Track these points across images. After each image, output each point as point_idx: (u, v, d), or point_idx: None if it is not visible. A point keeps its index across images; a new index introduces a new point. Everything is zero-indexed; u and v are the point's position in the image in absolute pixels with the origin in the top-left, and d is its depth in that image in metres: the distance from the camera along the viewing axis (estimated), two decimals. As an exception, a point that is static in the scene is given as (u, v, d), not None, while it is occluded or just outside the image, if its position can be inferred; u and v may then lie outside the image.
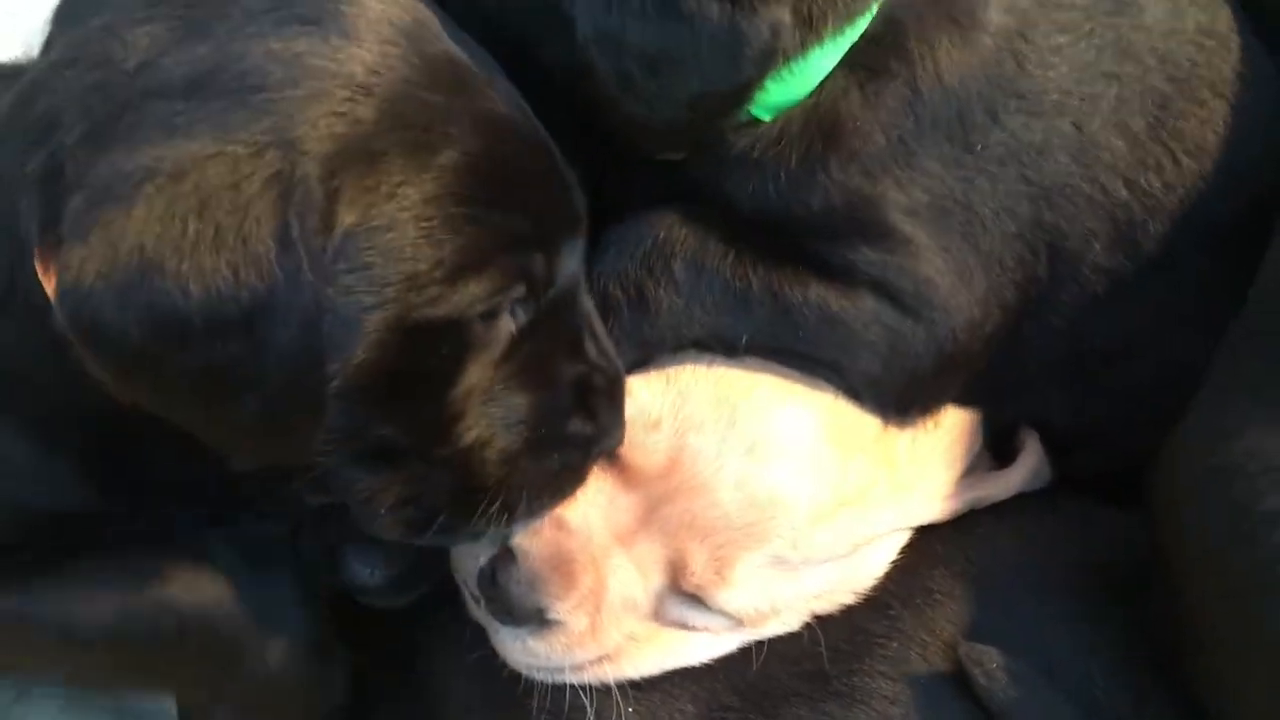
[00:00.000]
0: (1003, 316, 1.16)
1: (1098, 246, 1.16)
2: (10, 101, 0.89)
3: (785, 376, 1.14)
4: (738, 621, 1.12)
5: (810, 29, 1.05)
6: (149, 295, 0.77)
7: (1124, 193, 1.15)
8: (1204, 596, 1.03)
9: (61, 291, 0.79)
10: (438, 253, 0.85)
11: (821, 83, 1.08)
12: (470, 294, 0.88)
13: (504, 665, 1.13)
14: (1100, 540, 1.20)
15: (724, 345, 1.13)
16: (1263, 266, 1.14)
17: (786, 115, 1.09)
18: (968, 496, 1.21)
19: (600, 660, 1.11)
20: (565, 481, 1.03)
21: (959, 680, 1.07)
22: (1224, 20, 1.21)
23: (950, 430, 1.22)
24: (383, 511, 0.97)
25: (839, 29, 1.06)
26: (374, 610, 1.22)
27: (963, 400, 1.22)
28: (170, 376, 0.82)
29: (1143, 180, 1.15)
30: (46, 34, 1.55)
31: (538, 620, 1.08)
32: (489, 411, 0.96)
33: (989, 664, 1.05)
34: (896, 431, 1.18)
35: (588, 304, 1.04)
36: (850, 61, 1.08)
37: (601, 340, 1.05)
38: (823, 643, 1.11)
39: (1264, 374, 1.06)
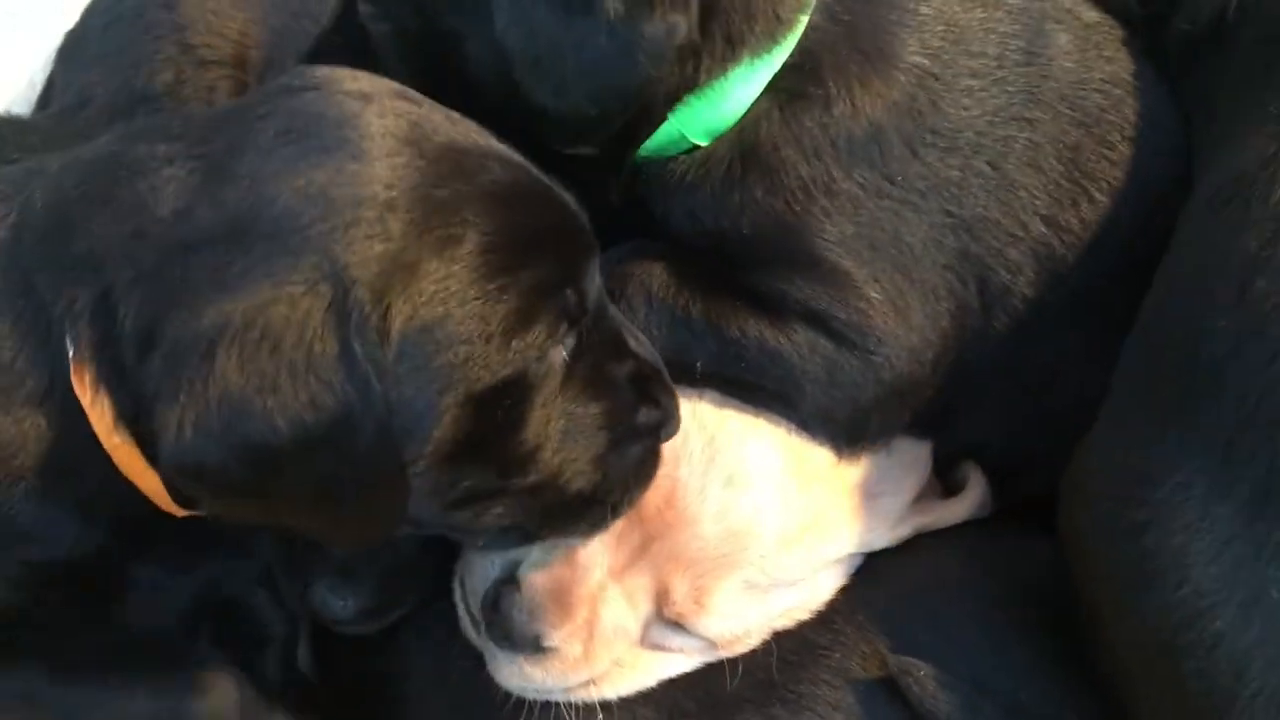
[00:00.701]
0: (942, 345, 1.21)
1: (1023, 279, 1.22)
2: (43, 224, 0.98)
3: (746, 410, 1.21)
4: (712, 644, 1.20)
5: (729, 46, 1.12)
6: (242, 436, 0.87)
7: (1043, 228, 1.21)
8: (1097, 600, 1.10)
9: (166, 451, 0.88)
10: (487, 328, 0.95)
11: (749, 108, 1.15)
12: (522, 351, 0.97)
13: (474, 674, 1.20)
14: (1033, 565, 1.27)
15: (681, 372, 1.19)
16: (1151, 290, 1.18)
17: (718, 140, 1.16)
18: (917, 522, 1.29)
19: (588, 684, 1.18)
20: (648, 466, 1.12)
21: (895, 689, 1.15)
22: (1129, 69, 1.28)
23: (903, 460, 1.30)
24: (481, 543, 1.10)
25: (758, 52, 1.13)
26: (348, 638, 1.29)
27: (908, 428, 1.29)
28: (271, 497, 0.92)
29: (1060, 218, 1.22)
30: (49, 73, 1.64)
31: (534, 646, 1.14)
32: (565, 432, 1.05)
33: (917, 673, 1.13)
34: (850, 461, 1.25)
35: (613, 307, 1.12)
36: (773, 87, 1.15)
37: (637, 334, 1.13)
38: (773, 654, 1.20)
39: (1147, 389, 1.12)
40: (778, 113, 1.16)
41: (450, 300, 0.93)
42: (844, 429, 1.22)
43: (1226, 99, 1.23)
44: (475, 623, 1.19)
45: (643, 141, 1.17)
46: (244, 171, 0.93)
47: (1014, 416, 1.31)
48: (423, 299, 0.92)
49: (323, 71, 1.01)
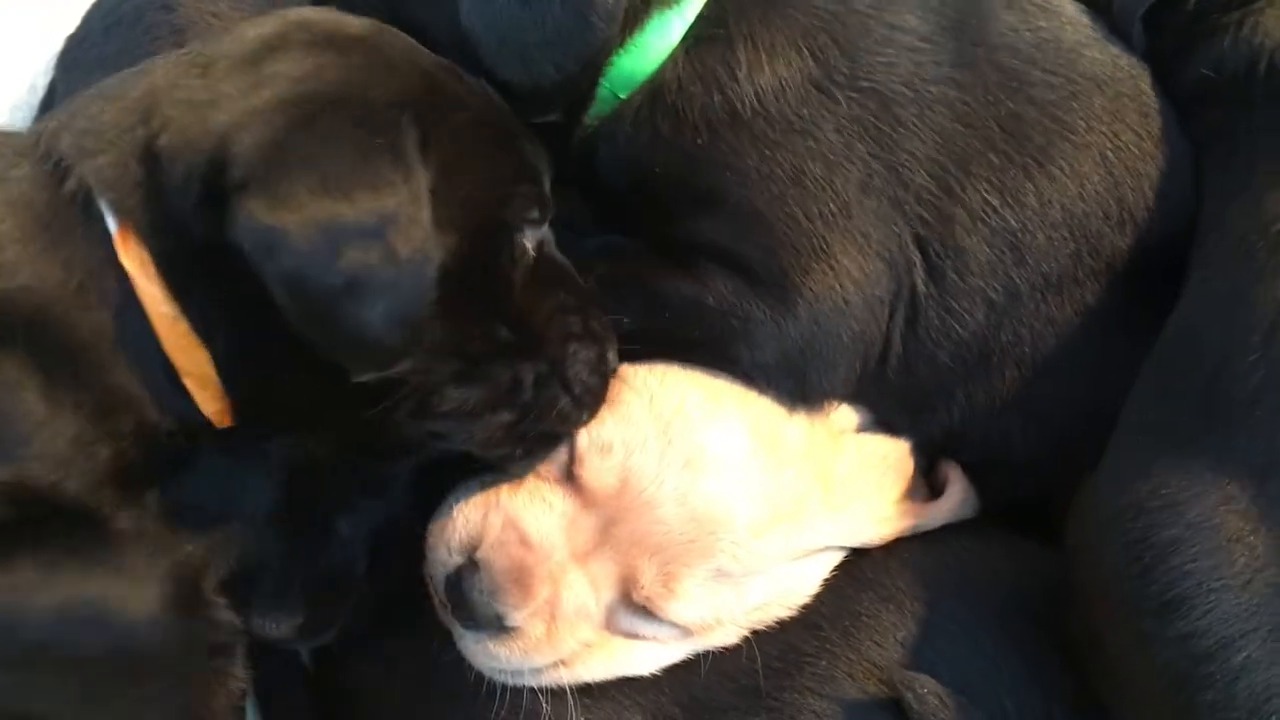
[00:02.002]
0: (874, 293, 1.20)
1: (978, 252, 1.21)
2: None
3: (710, 391, 1.21)
4: (684, 631, 1.19)
5: (645, 3, 1.19)
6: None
7: (988, 196, 1.21)
8: (1107, 624, 1.09)
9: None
10: (491, 173, 1.08)
11: (665, 58, 1.20)
12: (514, 208, 1.10)
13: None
14: (1019, 569, 1.26)
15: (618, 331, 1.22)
16: (1171, 317, 1.20)
17: (635, 90, 1.21)
18: (900, 524, 1.27)
19: (556, 665, 1.18)
20: (602, 372, 1.18)
21: (881, 699, 1.14)
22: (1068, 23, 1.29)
23: (884, 457, 1.29)
24: (479, 426, 1.11)
25: (669, 3, 1.19)
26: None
27: (883, 414, 1.30)
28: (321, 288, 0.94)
29: (1010, 189, 1.22)
30: (51, 78, 1.65)
31: (497, 625, 1.15)
32: (535, 312, 1.12)
33: (920, 689, 1.11)
34: (826, 450, 1.24)
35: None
36: (687, 36, 1.20)
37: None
38: (758, 660, 1.17)
39: (1168, 417, 1.13)
40: (684, 56, 1.21)
41: (469, 142, 1.07)
42: (783, 378, 1.22)
43: (1247, 145, 1.24)
44: (443, 604, 1.19)
45: (591, 102, 1.23)
46: None
47: (990, 408, 1.29)
48: (449, 140, 1.04)
49: None
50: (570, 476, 1.19)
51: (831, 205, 1.19)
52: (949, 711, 1.11)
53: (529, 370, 1.12)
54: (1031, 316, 1.25)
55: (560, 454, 1.20)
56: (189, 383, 1.02)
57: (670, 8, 1.20)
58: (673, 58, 1.21)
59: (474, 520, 1.18)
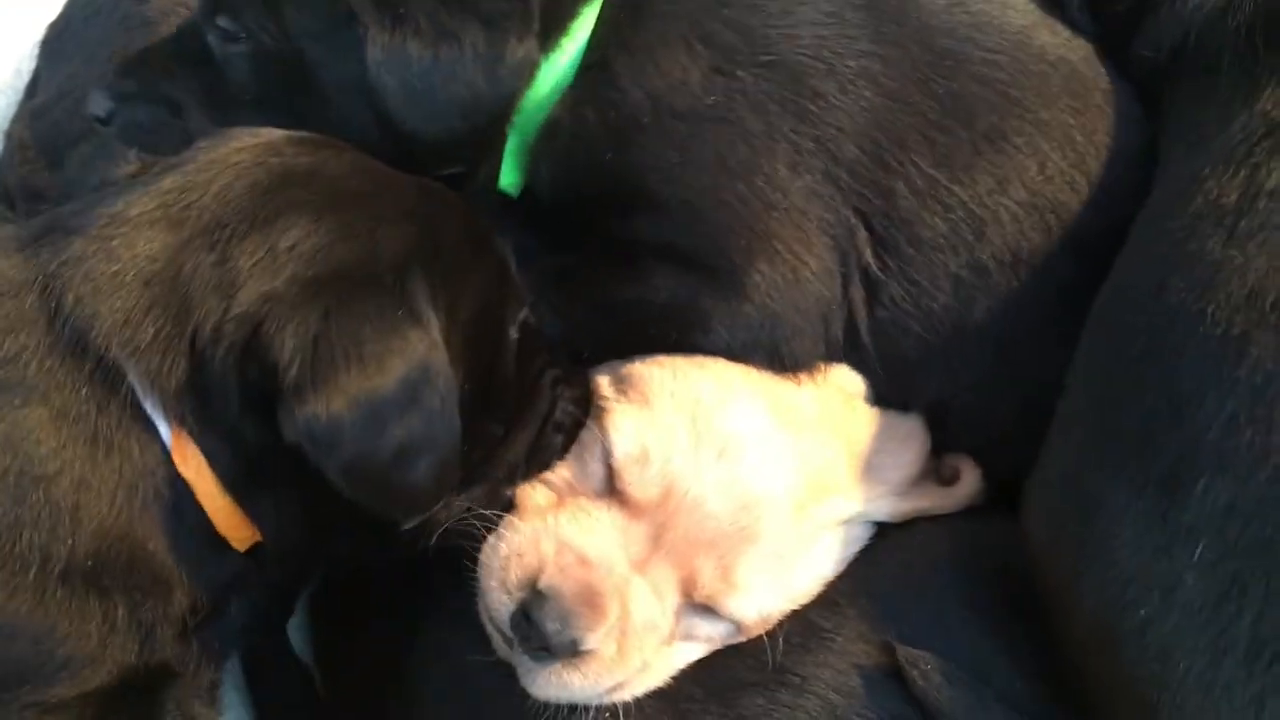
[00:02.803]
0: (822, 266, 1.24)
1: (930, 225, 1.25)
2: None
3: (717, 374, 1.24)
4: (740, 628, 1.21)
5: (541, 50, 1.22)
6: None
7: (932, 170, 1.25)
8: (1050, 589, 1.15)
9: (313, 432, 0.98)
10: (483, 287, 1.14)
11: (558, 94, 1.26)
12: (507, 311, 1.17)
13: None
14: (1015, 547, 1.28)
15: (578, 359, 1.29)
16: (1091, 315, 1.22)
17: (540, 127, 1.27)
18: (917, 503, 1.33)
19: (620, 685, 1.19)
20: (585, 397, 1.28)
21: (896, 672, 1.19)
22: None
23: (900, 426, 1.33)
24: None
25: (552, 46, 1.24)
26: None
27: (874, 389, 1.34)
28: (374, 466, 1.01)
29: (955, 165, 1.25)
30: (35, 69, 1.61)
31: (572, 651, 1.15)
32: (531, 370, 1.22)
33: (924, 665, 1.17)
34: (842, 414, 1.28)
35: None
36: (574, 72, 1.26)
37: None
38: (778, 636, 1.22)
39: (1082, 400, 1.18)
40: (571, 91, 1.26)
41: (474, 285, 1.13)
42: (753, 353, 1.27)
43: (1179, 124, 1.27)
44: (507, 639, 1.19)
45: (497, 149, 1.28)
46: None
47: (976, 385, 1.33)
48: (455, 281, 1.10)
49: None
50: (612, 490, 1.20)
51: (763, 185, 1.23)
52: (950, 688, 1.16)
53: (522, 445, 1.21)
54: (1005, 292, 1.28)
55: (595, 469, 1.22)
56: (237, 547, 1.10)
57: (552, 51, 1.24)
58: (564, 95, 1.26)
59: (527, 552, 1.18)
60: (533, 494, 1.24)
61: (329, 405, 0.96)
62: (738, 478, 1.19)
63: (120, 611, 1.05)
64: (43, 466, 1.00)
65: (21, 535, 1.00)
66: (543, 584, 1.15)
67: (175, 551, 1.05)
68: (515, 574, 1.17)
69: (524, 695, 1.20)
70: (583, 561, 1.16)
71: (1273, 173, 1.11)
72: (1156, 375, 1.08)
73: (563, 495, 1.23)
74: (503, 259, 1.20)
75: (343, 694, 1.42)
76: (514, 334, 1.19)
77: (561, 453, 1.26)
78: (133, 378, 1.01)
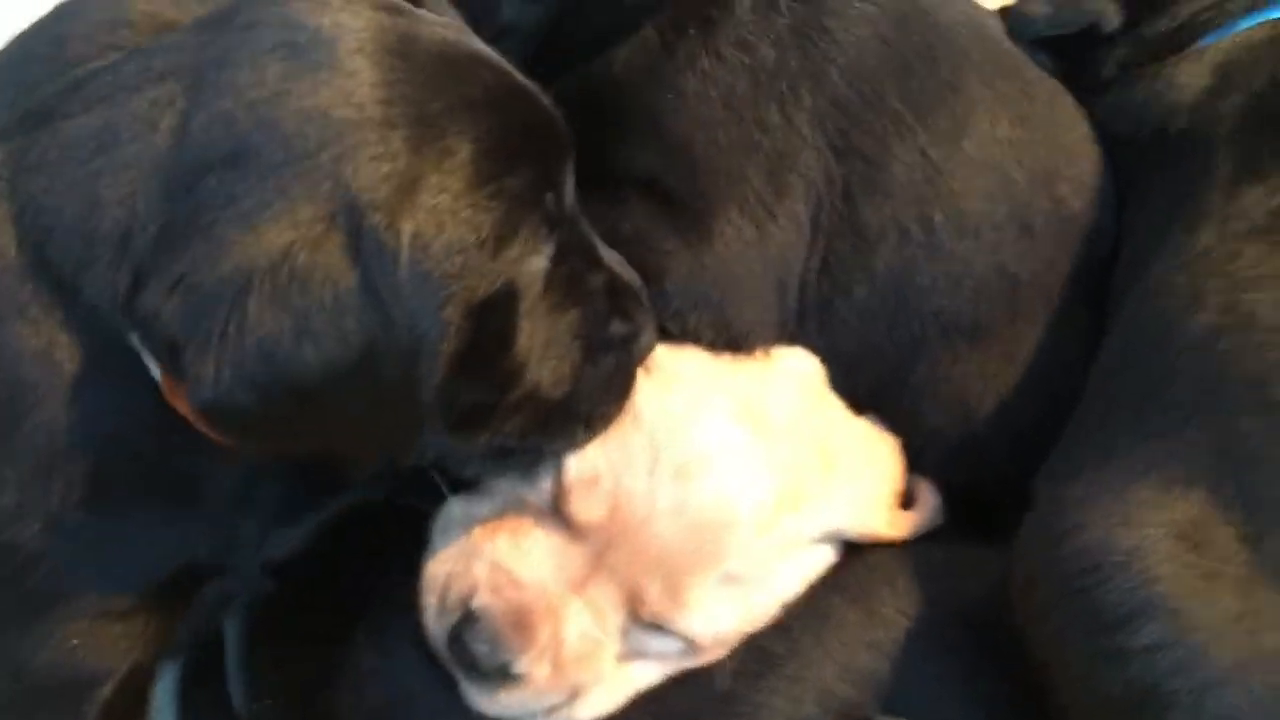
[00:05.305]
0: (794, 215, 1.24)
1: (903, 199, 1.25)
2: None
3: (690, 381, 1.21)
4: (694, 645, 1.17)
5: None
6: (278, 379, 0.89)
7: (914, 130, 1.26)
8: (1062, 645, 1.08)
9: (201, 396, 0.89)
10: (479, 234, 0.95)
11: None
12: (512, 259, 0.98)
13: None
14: (984, 579, 1.24)
15: None
16: (1109, 335, 1.25)
17: None
18: (888, 525, 1.27)
19: (566, 704, 1.17)
20: (622, 382, 1.13)
21: (850, 700, 1.16)
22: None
23: (874, 438, 1.30)
24: (475, 462, 1.13)
25: None
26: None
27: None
28: (305, 428, 0.95)
29: (923, 138, 1.26)
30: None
31: (502, 674, 1.13)
32: (547, 340, 1.06)
33: None
34: (815, 414, 1.25)
35: (585, 223, 1.12)
36: None
37: (610, 251, 1.13)
38: (732, 665, 1.18)
39: (1089, 430, 1.18)
40: None
41: (446, 212, 0.93)
42: (700, 312, 1.24)
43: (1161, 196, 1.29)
44: (448, 660, 1.17)
45: None
46: (238, 92, 0.92)
47: (918, 375, 1.32)
48: (423, 214, 0.92)
49: None
50: (555, 509, 1.17)
51: (753, 127, 1.23)
52: None
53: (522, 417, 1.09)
54: (947, 260, 1.27)
55: (545, 485, 1.18)
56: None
57: None
58: None
59: (459, 573, 1.16)
60: (479, 508, 1.21)
61: None
62: (694, 499, 1.15)
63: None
64: None
65: None
66: (474, 604, 1.14)
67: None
68: (452, 594, 1.16)
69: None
70: (515, 584, 1.14)
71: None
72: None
73: (508, 509, 1.20)
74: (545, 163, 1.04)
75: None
76: (537, 279, 1.03)
77: (620, 384, 1.13)
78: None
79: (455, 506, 1.22)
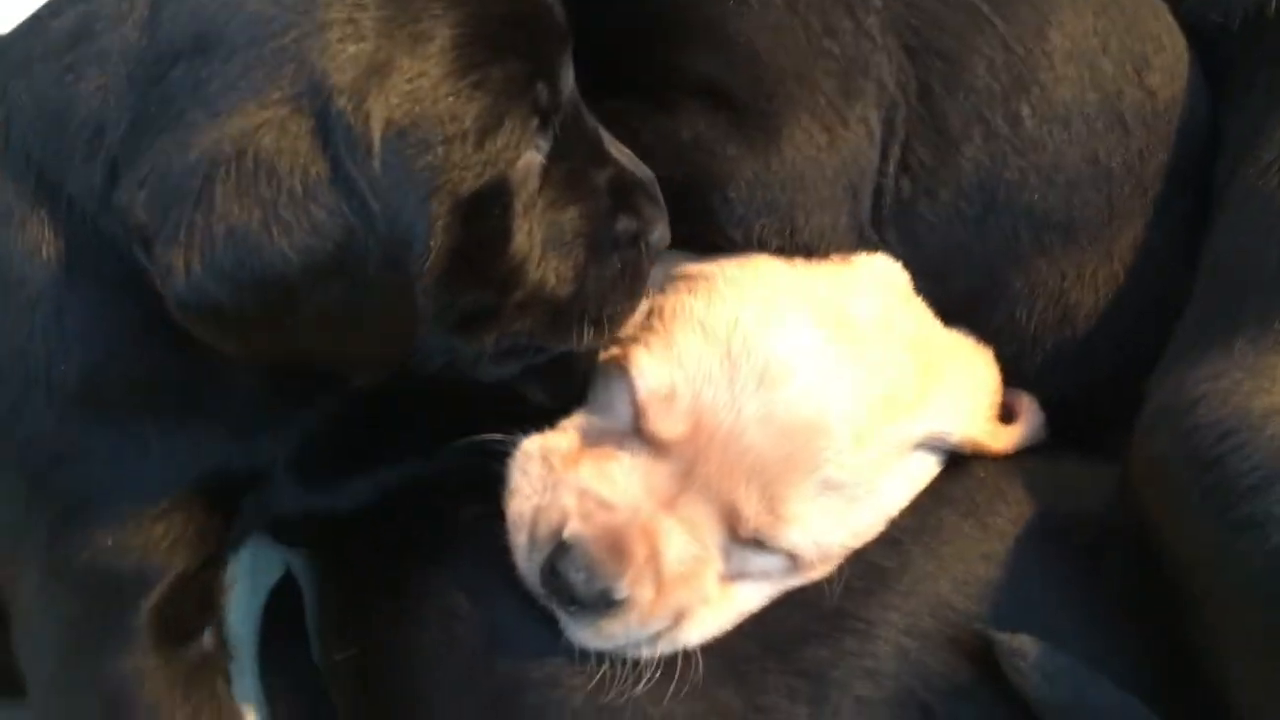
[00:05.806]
0: (863, 125, 1.19)
1: (986, 115, 1.19)
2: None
3: (761, 294, 1.16)
4: (797, 561, 1.13)
5: None
6: (252, 270, 0.86)
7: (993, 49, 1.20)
8: (1184, 544, 1.04)
9: (176, 292, 0.86)
10: (461, 126, 0.91)
11: None
12: (498, 150, 0.94)
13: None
14: (1094, 492, 1.21)
15: None
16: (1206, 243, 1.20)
17: None
18: (988, 437, 1.22)
19: (671, 629, 1.12)
20: (631, 280, 1.09)
21: (968, 613, 1.10)
22: None
23: (959, 346, 1.24)
24: (485, 364, 1.07)
25: None
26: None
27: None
28: (286, 328, 0.91)
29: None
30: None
31: (605, 602, 1.09)
32: (547, 238, 1.02)
33: (1026, 658, 1.05)
34: (905, 315, 1.20)
35: (592, 118, 1.08)
36: None
37: (620, 146, 1.09)
38: (837, 581, 1.13)
39: (1208, 318, 1.13)
40: None
41: (424, 100, 0.90)
42: (767, 220, 1.19)
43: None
44: (547, 599, 1.13)
45: None
46: None
47: (1009, 279, 1.26)
48: (397, 101, 0.89)
49: None
50: (636, 430, 1.13)
51: (821, 31, 1.18)
52: (1056, 683, 1.05)
53: (527, 316, 1.05)
54: (1037, 154, 1.22)
55: (622, 410, 1.15)
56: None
57: None
58: None
59: (546, 506, 1.12)
60: (558, 442, 1.16)
61: None
62: (781, 404, 1.10)
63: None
64: None
65: None
66: (566, 534, 1.10)
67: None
68: (541, 530, 1.12)
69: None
70: (605, 507, 1.10)
71: None
72: None
73: (588, 441, 1.16)
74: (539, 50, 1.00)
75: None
76: (532, 173, 1.00)
77: (630, 283, 1.08)
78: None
79: (531, 444, 1.17)
